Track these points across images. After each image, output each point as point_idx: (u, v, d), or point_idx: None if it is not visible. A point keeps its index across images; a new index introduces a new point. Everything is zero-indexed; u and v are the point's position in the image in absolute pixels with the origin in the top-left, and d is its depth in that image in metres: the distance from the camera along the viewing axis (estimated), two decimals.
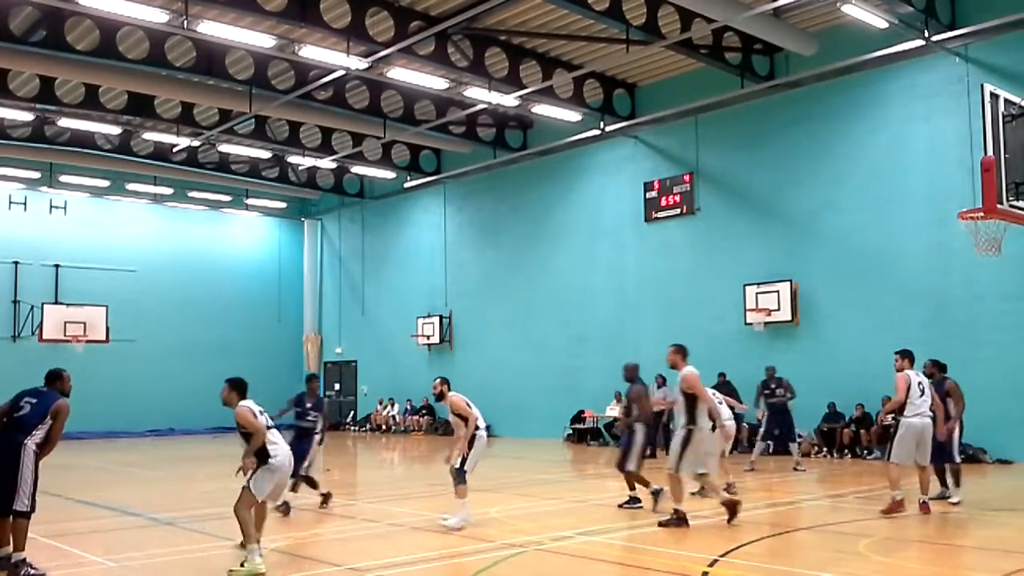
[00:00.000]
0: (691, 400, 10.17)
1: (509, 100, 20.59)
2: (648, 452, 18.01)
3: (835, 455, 18.54)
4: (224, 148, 26.26)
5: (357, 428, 31.17)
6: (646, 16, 17.33)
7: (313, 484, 11.86)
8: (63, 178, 28.61)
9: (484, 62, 19.47)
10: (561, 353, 24.82)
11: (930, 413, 10.66)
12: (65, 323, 27.29)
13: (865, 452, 18.18)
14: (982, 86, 10.07)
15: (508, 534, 9.70)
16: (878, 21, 16.27)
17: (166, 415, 30.08)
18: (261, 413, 8.14)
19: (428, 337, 28.68)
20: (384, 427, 29.93)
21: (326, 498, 11.91)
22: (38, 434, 7.87)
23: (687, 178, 22.18)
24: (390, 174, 28.40)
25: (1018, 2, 15.73)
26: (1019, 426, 16.39)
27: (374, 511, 11.90)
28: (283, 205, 33.56)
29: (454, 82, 20.10)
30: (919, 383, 10.63)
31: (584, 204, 24.81)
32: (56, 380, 8.26)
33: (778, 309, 19.89)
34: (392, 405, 30.21)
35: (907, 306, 18.04)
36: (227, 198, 32.29)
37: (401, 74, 19.20)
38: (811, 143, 19.93)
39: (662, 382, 18.71)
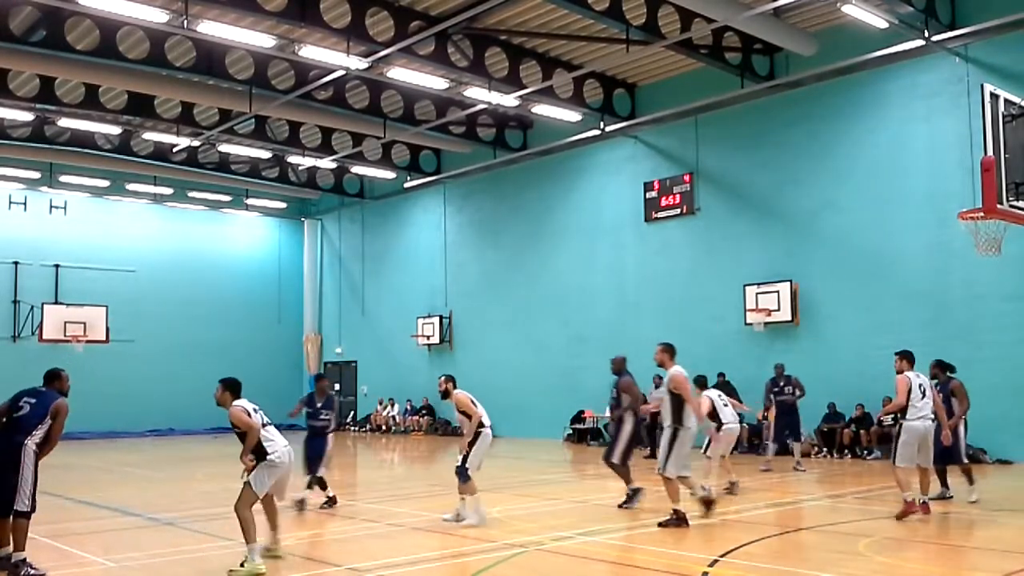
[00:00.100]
0: (677, 400, 10.18)
1: (509, 100, 20.58)
2: (648, 451, 18.13)
3: (835, 455, 18.54)
4: (224, 148, 26.25)
5: (357, 428, 31.17)
6: (646, 16, 17.33)
7: (323, 485, 11.94)
8: (63, 178, 28.61)
9: (484, 62, 19.47)
10: (561, 353, 24.82)
11: (932, 416, 10.61)
12: (65, 323, 27.31)
13: (865, 452, 18.18)
14: (982, 86, 10.07)
15: (508, 534, 9.70)
16: (878, 21, 16.26)
17: (166, 415, 30.09)
18: (255, 411, 8.13)
19: (428, 337, 28.67)
20: (384, 427, 29.92)
21: (331, 501, 11.94)
22: (38, 434, 7.87)
23: (687, 178, 22.18)
24: (390, 174, 28.40)
25: (1018, 2, 15.73)
26: (1019, 426, 16.39)
27: (374, 511, 11.89)
28: (283, 205, 33.55)
29: (454, 82, 20.10)
30: (920, 385, 10.57)
31: (584, 204, 24.81)
32: (54, 380, 8.26)
33: (778, 309, 19.89)
34: (392, 405, 30.21)
35: (907, 306, 18.04)
36: (227, 198, 32.29)
37: (401, 74, 19.20)
38: (811, 143, 19.93)
39: (659, 382, 18.68)
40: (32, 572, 7.75)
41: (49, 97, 21.40)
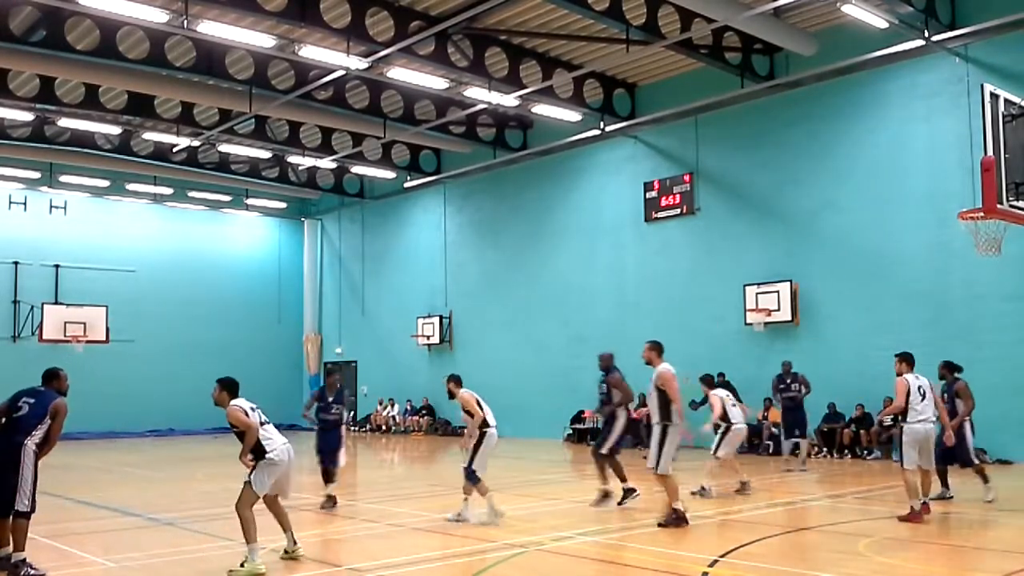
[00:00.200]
0: (664, 396, 10.21)
1: (509, 100, 20.58)
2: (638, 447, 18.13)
3: (835, 455, 18.53)
4: (224, 148, 26.25)
5: (357, 428, 31.10)
6: (646, 16, 17.33)
7: (328, 479, 12.05)
8: (63, 178, 28.61)
9: (484, 62, 19.47)
10: (561, 353, 24.81)
11: (934, 418, 10.56)
12: (65, 323, 27.30)
13: (865, 452, 18.18)
14: (982, 86, 10.07)
15: (508, 534, 9.70)
16: (878, 21, 16.26)
17: (166, 415, 30.09)
18: (253, 410, 8.12)
19: (428, 337, 28.67)
20: (384, 427, 29.92)
21: (332, 500, 11.97)
22: (37, 434, 7.86)
23: (687, 178, 22.17)
24: (390, 174, 28.40)
25: (1018, 2, 15.73)
26: (1019, 426, 16.38)
27: (374, 511, 11.89)
28: (283, 205, 33.55)
29: (454, 82, 20.09)
30: (919, 387, 10.51)
31: (584, 204, 24.81)
32: (53, 379, 8.26)
33: (778, 309, 19.88)
34: (392, 405, 30.20)
35: (907, 306, 18.04)
36: (227, 198, 32.29)
37: (401, 74, 19.20)
38: (811, 143, 19.93)
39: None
40: (32, 572, 7.75)
41: (49, 97, 21.40)
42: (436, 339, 28.44)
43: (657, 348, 10.64)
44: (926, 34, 16.73)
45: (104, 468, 19.62)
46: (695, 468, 13.61)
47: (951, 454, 11.58)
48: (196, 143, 25.50)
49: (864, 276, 18.86)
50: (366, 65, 18.44)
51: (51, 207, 29.78)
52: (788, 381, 16.71)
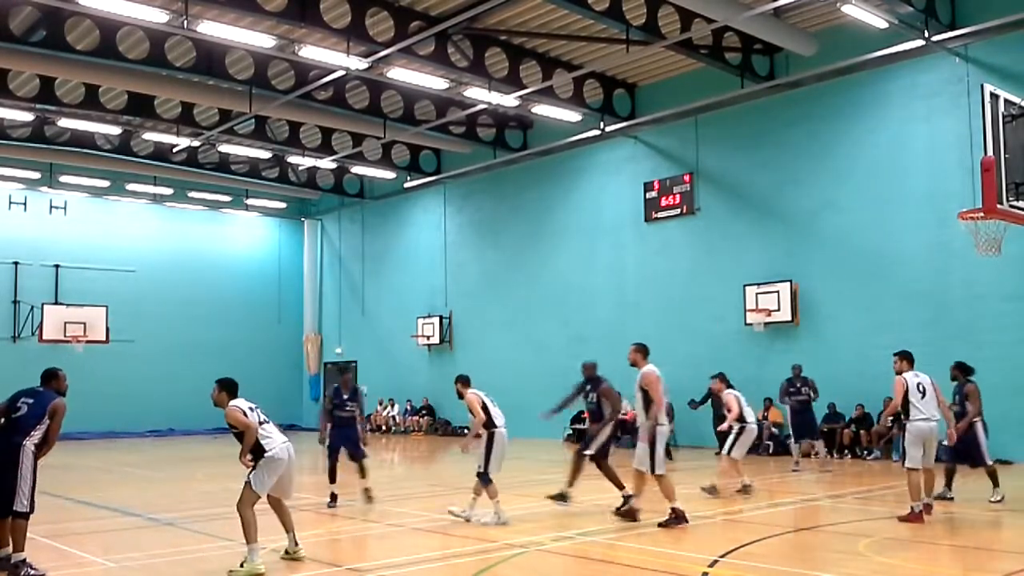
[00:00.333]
0: (649, 397, 10.23)
1: (509, 100, 20.58)
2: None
3: (835, 455, 18.53)
4: (224, 148, 26.25)
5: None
6: (646, 16, 17.33)
7: (334, 477, 12.22)
8: (63, 178, 28.61)
9: (484, 62, 19.47)
10: (561, 353, 24.74)
11: (936, 416, 10.52)
12: (65, 323, 27.30)
13: (865, 452, 18.18)
14: (982, 86, 10.07)
15: (508, 534, 9.70)
16: (878, 21, 16.26)
17: (166, 415, 30.09)
18: (252, 410, 8.11)
19: (428, 337, 28.67)
20: (384, 427, 29.91)
21: (333, 499, 12.04)
22: (36, 434, 7.85)
23: (687, 178, 22.17)
24: (390, 174, 28.40)
25: (1018, 2, 15.73)
26: (1019, 426, 16.37)
27: (374, 511, 11.88)
28: (283, 205, 33.55)
29: (454, 82, 20.09)
30: (919, 384, 10.49)
31: (584, 204, 24.81)
32: (52, 379, 8.24)
33: (778, 309, 19.88)
34: (392, 405, 30.20)
35: (907, 306, 18.04)
36: (227, 198, 32.29)
37: (401, 74, 19.19)
38: (811, 143, 19.93)
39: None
40: (32, 572, 7.74)
41: (49, 97, 21.41)
42: (436, 339, 28.43)
43: (642, 350, 10.72)
44: (926, 34, 16.73)
45: (104, 468, 19.61)
46: (695, 468, 13.60)
47: (965, 453, 11.57)
48: (196, 143, 25.49)
49: (864, 276, 18.85)
50: (366, 65, 18.44)
51: (51, 207, 29.78)
52: (798, 385, 16.91)
